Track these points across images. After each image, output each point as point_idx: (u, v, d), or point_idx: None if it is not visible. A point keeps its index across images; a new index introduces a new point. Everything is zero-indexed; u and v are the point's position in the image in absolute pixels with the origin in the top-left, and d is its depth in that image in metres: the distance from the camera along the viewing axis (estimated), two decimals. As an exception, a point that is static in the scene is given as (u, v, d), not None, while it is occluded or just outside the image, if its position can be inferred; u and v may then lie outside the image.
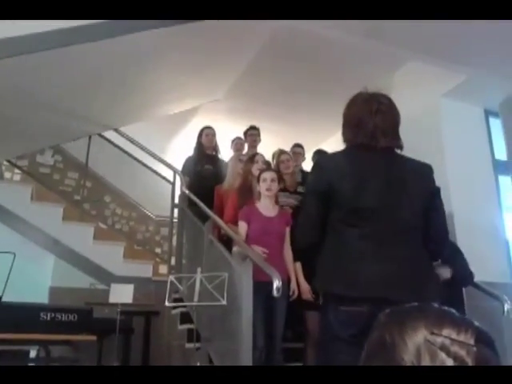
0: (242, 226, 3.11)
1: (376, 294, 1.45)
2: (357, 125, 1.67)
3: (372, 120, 1.63)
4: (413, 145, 4.35)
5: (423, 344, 0.62)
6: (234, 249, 3.19)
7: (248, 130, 4.73)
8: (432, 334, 0.63)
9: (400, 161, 1.68)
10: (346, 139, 1.74)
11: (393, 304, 1.42)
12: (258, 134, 4.70)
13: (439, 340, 0.62)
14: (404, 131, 4.61)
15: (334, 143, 3.34)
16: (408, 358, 0.63)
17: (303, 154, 4.40)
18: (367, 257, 1.51)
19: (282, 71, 4.59)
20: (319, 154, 4.21)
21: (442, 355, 0.61)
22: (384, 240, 1.53)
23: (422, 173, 1.69)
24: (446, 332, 0.62)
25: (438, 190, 1.72)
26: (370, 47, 3.88)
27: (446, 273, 2.94)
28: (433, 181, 1.70)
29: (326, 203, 1.60)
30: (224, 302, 2.58)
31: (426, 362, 0.61)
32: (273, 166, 3.89)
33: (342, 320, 1.49)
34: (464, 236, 3.70)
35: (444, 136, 4.00)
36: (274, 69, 4.54)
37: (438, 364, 0.60)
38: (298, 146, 4.42)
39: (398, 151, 1.70)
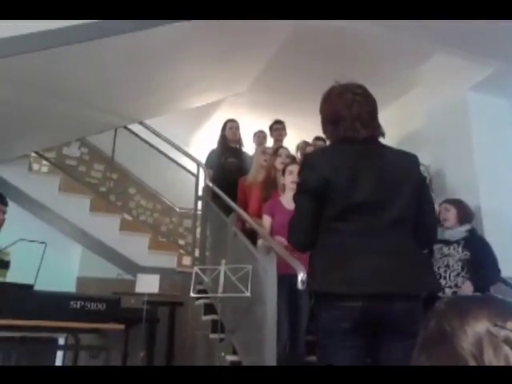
0: (267, 220, 3.14)
1: (370, 291, 1.43)
2: (335, 120, 1.65)
3: (349, 112, 1.61)
4: (441, 138, 4.31)
5: (485, 335, 0.61)
6: (259, 242, 3.21)
7: (273, 124, 4.73)
8: (495, 325, 0.62)
9: (385, 152, 1.65)
10: (328, 136, 1.73)
11: (387, 299, 1.43)
12: (284, 128, 4.69)
13: (503, 333, 0.61)
14: (432, 124, 4.54)
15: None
16: (468, 348, 0.62)
17: None
18: (359, 253, 1.49)
19: (305, 64, 4.57)
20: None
21: (506, 349, 0.60)
22: (376, 234, 1.52)
23: (409, 163, 1.66)
24: (510, 325, 0.61)
25: (424, 179, 1.72)
26: (396, 40, 3.82)
27: (468, 288, 2.98)
28: (419, 171, 1.69)
29: (318, 201, 1.57)
30: (248, 294, 2.60)
31: (488, 354, 0.60)
32: (297, 158, 3.90)
33: (334, 315, 1.47)
34: (491, 229, 3.67)
35: (472, 129, 3.93)
36: (298, 62, 4.52)
37: (501, 357, 0.59)
38: (319, 138, 4.42)
39: (381, 140, 1.68)
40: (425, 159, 4.18)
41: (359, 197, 1.52)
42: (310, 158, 1.73)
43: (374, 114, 1.67)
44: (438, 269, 3.12)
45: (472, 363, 0.61)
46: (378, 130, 1.66)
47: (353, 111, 1.61)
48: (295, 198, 1.71)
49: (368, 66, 4.28)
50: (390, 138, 4.80)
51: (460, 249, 3.13)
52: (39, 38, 2.61)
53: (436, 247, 3.22)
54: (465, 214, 3.31)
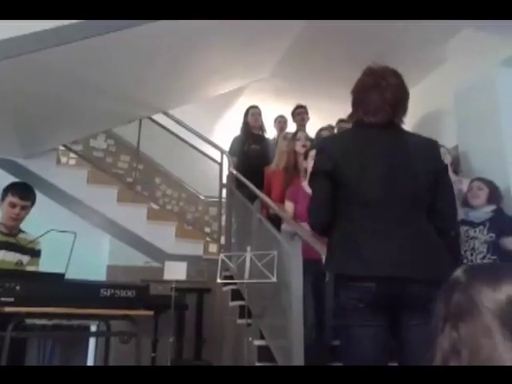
0: (289, 206, 3.13)
1: (383, 273, 1.44)
2: (357, 102, 1.65)
3: (370, 96, 1.60)
4: (468, 117, 4.19)
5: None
6: (283, 226, 3.22)
7: (295, 109, 4.70)
8: None
9: (405, 137, 1.64)
10: (350, 118, 1.72)
11: (401, 282, 1.42)
12: (306, 112, 4.65)
13: None
14: (459, 103, 4.41)
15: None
16: (499, 314, 0.61)
17: None
18: (373, 237, 1.50)
19: (326, 47, 4.49)
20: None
21: None
22: (390, 219, 1.52)
23: (428, 150, 1.64)
24: None
25: (445, 167, 1.68)
26: (421, 17, 3.71)
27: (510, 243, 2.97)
28: (439, 157, 1.66)
29: (331, 183, 1.58)
30: (274, 280, 2.62)
31: None
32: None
33: (351, 295, 1.49)
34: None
35: (501, 107, 3.80)
36: (321, 44, 4.44)
37: None
38: (343, 121, 4.37)
39: (403, 127, 1.66)
40: (452, 139, 4.08)
41: (373, 181, 1.53)
42: (322, 143, 1.80)
43: (401, 99, 1.63)
44: (465, 252, 3.08)
45: (502, 332, 0.61)
46: (398, 117, 1.63)
47: (373, 96, 1.60)
48: (310, 183, 1.75)
49: (391, 45, 4.17)
50: (416, 118, 4.71)
51: (485, 231, 3.07)
52: (60, 33, 2.65)
53: (462, 230, 3.17)
54: (495, 194, 3.25)
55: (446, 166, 1.68)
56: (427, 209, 1.58)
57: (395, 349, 1.57)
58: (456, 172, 3.92)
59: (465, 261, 3.05)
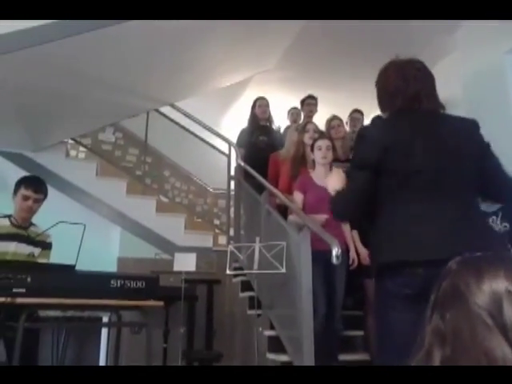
0: (298, 197, 3.13)
1: (435, 256, 1.42)
2: (395, 92, 1.64)
3: (411, 85, 1.61)
4: (476, 106, 4.13)
5: (504, 294, 0.61)
6: (290, 217, 3.22)
7: (306, 98, 4.64)
8: None
9: (446, 120, 1.64)
10: (384, 108, 1.71)
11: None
12: (316, 104, 4.61)
13: None
14: (467, 92, 4.35)
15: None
16: (484, 306, 0.62)
17: (362, 120, 4.31)
18: (422, 220, 1.49)
19: (333, 37, 4.44)
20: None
21: None
22: (437, 202, 1.51)
23: (470, 130, 1.64)
24: None
25: (488, 145, 1.67)
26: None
27: None
28: (481, 136, 1.65)
29: (374, 177, 1.57)
30: (283, 270, 2.62)
31: (508, 312, 0.60)
32: (326, 133, 3.86)
33: (398, 283, 1.48)
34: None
35: (510, 93, 3.75)
36: (326, 35, 4.40)
37: None
38: (357, 111, 4.36)
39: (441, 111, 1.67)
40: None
41: (420, 164, 1.52)
42: (367, 131, 1.71)
43: (435, 89, 1.67)
44: None
45: (488, 321, 0.61)
46: (437, 104, 1.66)
47: (414, 85, 1.61)
48: (350, 173, 1.70)
49: (397, 34, 4.12)
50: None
51: (498, 221, 3.03)
52: (65, 25, 2.66)
53: None
54: None
55: (489, 143, 1.67)
56: (475, 190, 1.60)
57: None
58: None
59: None
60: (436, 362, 0.65)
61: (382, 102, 1.72)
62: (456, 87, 4.20)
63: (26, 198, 2.72)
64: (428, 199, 1.52)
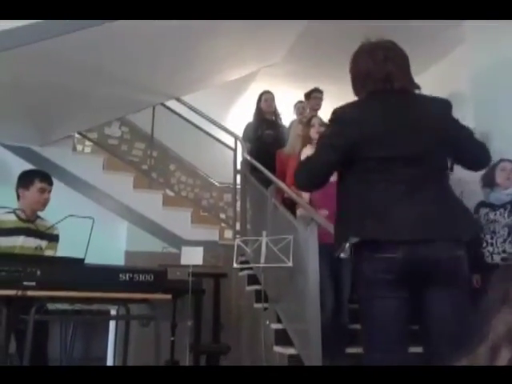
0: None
1: (409, 237, 1.43)
2: (365, 75, 1.64)
3: (381, 67, 1.60)
4: (486, 99, 4.09)
5: None
6: (299, 212, 3.22)
7: (312, 91, 4.62)
8: None
9: (418, 100, 1.63)
10: (358, 93, 1.71)
11: (428, 246, 1.40)
12: (321, 99, 4.60)
13: None
14: (476, 85, 4.30)
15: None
16: None
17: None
18: (397, 202, 1.48)
19: (340, 30, 4.41)
20: None
21: None
22: (413, 183, 1.50)
23: (444, 109, 1.63)
24: None
25: (460, 127, 1.66)
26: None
27: None
28: (454, 118, 1.65)
29: (342, 157, 1.58)
30: (290, 264, 2.63)
31: None
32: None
33: (377, 267, 1.46)
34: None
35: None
36: (333, 27, 4.37)
37: None
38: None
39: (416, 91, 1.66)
40: (469, 122, 4.00)
41: (395, 147, 1.52)
42: (341, 113, 1.66)
43: (408, 68, 1.66)
44: (485, 235, 3.04)
45: None
46: (411, 84, 1.65)
47: (384, 68, 1.60)
48: (318, 145, 1.73)
49: (405, 27, 4.08)
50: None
51: (506, 214, 3.03)
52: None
53: (482, 212, 3.13)
54: None
55: (457, 120, 1.66)
56: (456, 158, 1.64)
57: (418, 331, 1.55)
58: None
59: (484, 244, 3.01)
60: (503, 361, 0.60)
61: (355, 87, 1.72)
62: (464, 82, 4.17)
63: (42, 191, 2.76)
64: (402, 181, 1.51)
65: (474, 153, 1.66)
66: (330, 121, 1.69)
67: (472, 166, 1.71)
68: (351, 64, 1.73)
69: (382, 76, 1.59)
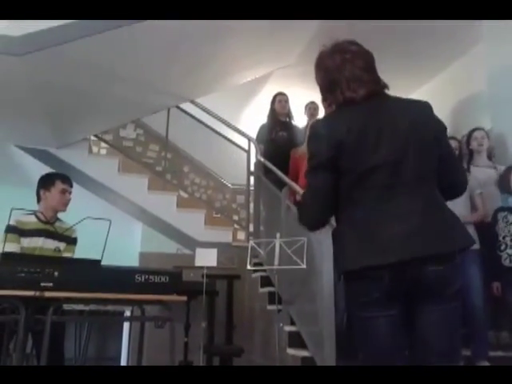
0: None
1: (401, 258, 1.35)
2: (331, 85, 1.55)
3: (342, 74, 1.51)
4: (503, 100, 4.03)
5: None
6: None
7: None
8: None
9: (393, 105, 1.52)
10: (328, 104, 1.62)
11: (418, 263, 1.36)
12: None
13: None
14: (493, 85, 4.26)
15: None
16: None
17: None
18: (384, 221, 1.40)
19: (355, 30, 4.39)
20: None
21: None
22: (398, 197, 1.41)
23: (425, 113, 1.52)
24: None
25: (445, 129, 1.55)
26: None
27: None
28: (436, 120, 1.53)
29: (333, 173, 1.46)
30: (304, 266, 2.62)
31: None
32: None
33: (365, 286, 1.41)
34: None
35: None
36: (349, 27, 4.35)
37: None
38: None
39: (388, 92, 1.55)
40: (485, 123, 3.96)
41: (375, 159, 1.42)
42: (317, 127, 1.58)
43: (370, 68, 1.55)
44: (504, 238, 3.04)
45: None
46: (378, 85, 1.54)
47: (345, 72, 1.51)
48: (307, 175, 1.56)
49: (419, 26, 4.04)
50: (448, 101, 4.57)
51: None
52: (87, 24, 2.70)
53: (500, 215, 3.13)
54: None
55: (445, 127, 1.56)
56: (434, 178, 1.48)
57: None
58: (490, 157, 3.83)
59: (503, 246, 3.01)
60: None
61: (325, 97, 1.62)
62: (481, 82, 4.12)
63: (64, 192, 2.85)
64: (387, 196, 1.42)
65: (452, 171, 1.55)
66: (309, 138, 1.59)
67: (447, 187, 1.53)
68: (315, 73, 1.63)
69: (348, 82, 1.50)
